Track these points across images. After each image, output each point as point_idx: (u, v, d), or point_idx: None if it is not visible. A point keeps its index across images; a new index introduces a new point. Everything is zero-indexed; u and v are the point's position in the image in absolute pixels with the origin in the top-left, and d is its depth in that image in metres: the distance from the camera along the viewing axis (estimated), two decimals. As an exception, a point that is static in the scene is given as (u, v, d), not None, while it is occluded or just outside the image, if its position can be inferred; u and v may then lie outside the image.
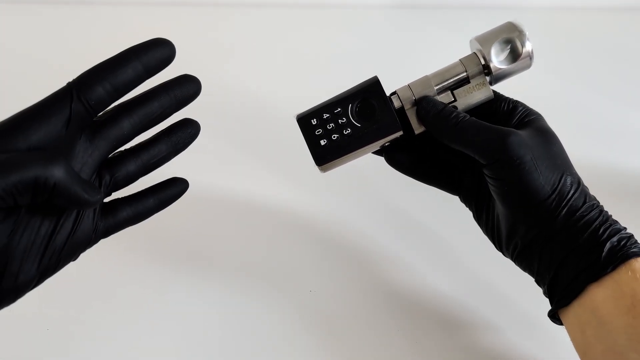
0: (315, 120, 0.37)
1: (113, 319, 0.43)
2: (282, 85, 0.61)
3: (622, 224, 0.33)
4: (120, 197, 0.33)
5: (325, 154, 0.37)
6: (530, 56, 0.36)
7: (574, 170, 0.35)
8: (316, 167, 0.38)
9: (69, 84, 0.28)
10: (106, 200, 0.33)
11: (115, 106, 0.31)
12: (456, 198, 0.40)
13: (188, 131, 0.33)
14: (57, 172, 0.26)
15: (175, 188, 0.34)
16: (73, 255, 0.31)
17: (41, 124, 0.27)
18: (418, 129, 0.37)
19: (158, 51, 0.30)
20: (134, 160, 0.32)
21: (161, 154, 0.33)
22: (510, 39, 0.36)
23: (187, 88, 0.32)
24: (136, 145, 0.33)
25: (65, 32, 0.69)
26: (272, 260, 0.47)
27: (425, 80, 0.37)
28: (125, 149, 0.33)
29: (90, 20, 0.70)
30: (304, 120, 0.37)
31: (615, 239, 0.32)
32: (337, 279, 0.45)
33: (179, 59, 0.71)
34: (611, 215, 0.34)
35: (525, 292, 0.39)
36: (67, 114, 0.28)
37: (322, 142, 0.37)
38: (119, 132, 0.30)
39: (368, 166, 0.45)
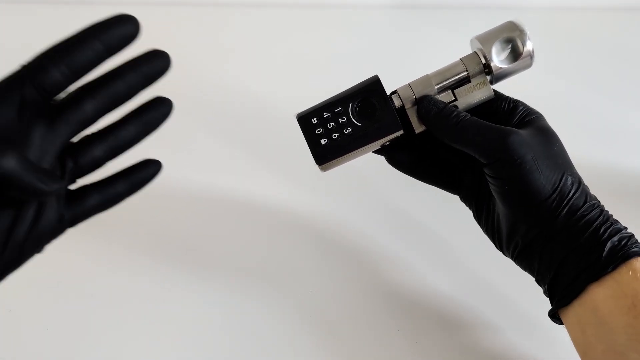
0: (315, 119, 0.37)
1: (113, 319, 0.43)
2: (282, 85, 0.61)
3: (623, 223, 0.34)
4: (88, 183, 0.31)
5: (326, 153, 0.37)
6: (531, 55, 0.36)
7: (575, 169, 0.35)
8: (316, 167, 0.38)
9: (23, 66, 0.26)
10: (73, 187, 0.31)
11: (77, 88, 0.29)
12: (456, 198, 0.40)
13: (160, 110, 0.31)
14: (7, 163, 0.24)
15: (148, 170, 0.32)
16: (37, 248, 0.29)
17: None
18: (418, 128, 0.37)
19: (120, 28, 0.27)
20: (100, 143, 0.30)
21: (129, 136, 0.31)
22: (511, 38, 0.36)
23: (155, 64, 0.30)
24: (103, 128, 0.30)
25: (65, 32, 0.69)
26: (272, 260, 0.46)
27: (425, 80, 0.37)
28: (91, 133, 0.30)
29: (90, 20, 0.70)
30: (304, 119, 0.37)
31: (615, 238, 0.32)
32: (337, 279, 0.45)
33: (179, 59, 0.71)
34: (612, 215, 0.34)
35: (525, 292, 0.39)
36: (18, 101, 0.26)
37: (323, 141, 0.37)
38: (81, 115, 0.28)
39: (368, 166, 0.45)
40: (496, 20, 0.37)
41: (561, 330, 0.35)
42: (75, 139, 0.30)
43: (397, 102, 0.37)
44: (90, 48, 0.27)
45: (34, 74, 0.26)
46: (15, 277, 0.45)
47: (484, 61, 0.36)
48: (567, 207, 0.33)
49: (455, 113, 0.35)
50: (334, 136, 0.37)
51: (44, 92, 0.26)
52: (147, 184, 0.32)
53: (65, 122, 0.28)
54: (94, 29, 0.27)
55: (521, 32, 0.36)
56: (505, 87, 0.38)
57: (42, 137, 0.27)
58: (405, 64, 0.62)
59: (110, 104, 0.29)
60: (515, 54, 0.36)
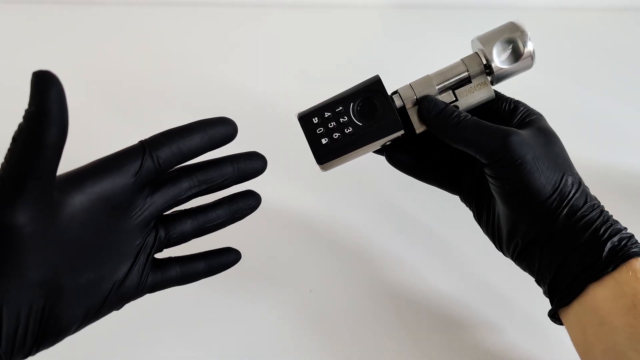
0: (316, 118, 0.37)
1: (112, 319, 0.42)
2: (282, 85, 0.61)
3: (623, 224, 0.34)
4: (172, 256, 0.34)
5: (327, 152, 0.37)
6: (531, 56, 0.36)
7: (575, 170, 0.35)
8: (317, 166, 0.38)
9: (142, 142, 0.31)
10: (158, 256, 0.34)
11: (178, 167, 0.32)
12: (457, 198, 0.40)
13: (249, 203, 0.35)
14: None
15: (228, 257, 0.36)
16: (117, 306, 0.32)
17: (115, 172, 0.29)
18: (419, 128, 0.37)
19: (223, 128, 0.32)
20: (191, 220, 0.34)
21: (219, 220, 0.34)
22: (512, 39, 0.36)
23: (252, 163, 0.34)
24: (196, 207, 0.34)
25: (66, 32, 0.69)
26: (272, 260, 0.46)
27: (426, 80, 0.37)
28: (184, 209, 0.34)
29: (90, 20, 0.70)
30: (305, 119, 0.37)
31: (615, 238, 0.32)
32: (337, 279, 0.45)
33: (179, 60, 0.71)
34: (612, 216, 0.34)
35: (525, 292, 0.39)
36: (138, 165, 0.30)
37: (324, 141, 0.37)
38: (177, 191, 0.32)
39: (369, 165, 0.45)
40: (497, 20, 0.37)
41: (561, 331, 0.35)
42: (169, 212, 0.33)
43: (398, 102, 0.37)
44: (199, 137, 0.31)
45: (152, 147, 0.30)
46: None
47: (484, 62, 0.36)
48: (567, 208, 0.33)
49: (456, 113, 0.35)
50: (335, 136, 0.37)
51: (157, 164, 0.30)
52: (225, 269, 0.36)
53: (162, 194, 0.32)
54: (203, 123, 0.32)
55: (522, 33, 0.36)
56: (506, 88, 0.38)
57: (142, 203, 0.31)
58: (406, 64, 0.62)
59: (204, 188, 0.33)
60: (516, 55, 0.36)
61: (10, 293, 0.27)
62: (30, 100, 0.26)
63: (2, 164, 0.26)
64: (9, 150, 0.26)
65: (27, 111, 0.26)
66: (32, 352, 0.29)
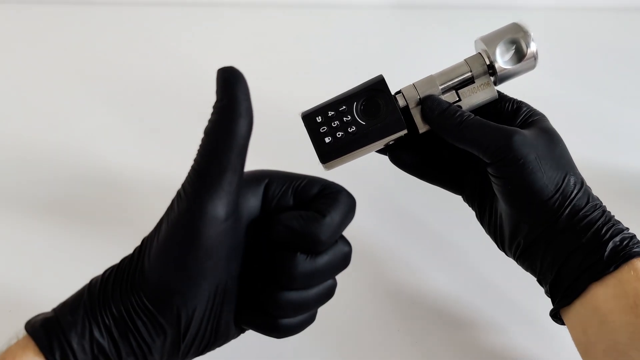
0: (320, 117, 0.37)
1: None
2: (284, 85, 0.61)
3: (624, 224, 0.34)
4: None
5: (330, 151, 0.37)
6: (534, 57, 0.36)
7: (577, 170, 0.35)
8: (320, 165, 0.38)
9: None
10: None
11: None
12: (459, 197, 0.40)
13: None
14: None
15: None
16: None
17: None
18: (422, 127, 0.37)
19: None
20: None
21: None
22: (515, 40, 0.36)
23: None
24: None
25: (65, 32, 0.68)
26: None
27: (430, 80, 0.37)
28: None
29: (90, 20, 0.70)
30: (309, 118, 0.37)
31: (617, 238, 0.32)
32: (337, 279, 0.45)
33: (180, 60, 0.70)
34: (614, 216, 0.34)
35: (526, 292, 0.40)
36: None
37: (327, 140, 0.37)
38: None
39: (372, 165, 0.45)
40: (498, 20, 0.38)
41: (562, 330, 0.35)
42: None
43: (401, 102, 0.37)
44: None
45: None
46: (15, 278, 0.45)
47: (488, 62, 0.36)
48: (569, 207, 0.33)
49: (459, 113, 0.35)
50: (338, 135, 0.37)
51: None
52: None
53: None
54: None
55: (525, 34, 0.36)
56: (508, 88, 0.39)
57: None
58: (407, 65, 0.62)
59: None
60: (519, 55, 0.36)
61: (205, 289, 0.26)
62: (220, 94, 0.26)
63: (196, 159, 0.26)
64: (203, 144, 0.26)
65: (218, 105, 0.26)
66: (197, 354, 0.29)
